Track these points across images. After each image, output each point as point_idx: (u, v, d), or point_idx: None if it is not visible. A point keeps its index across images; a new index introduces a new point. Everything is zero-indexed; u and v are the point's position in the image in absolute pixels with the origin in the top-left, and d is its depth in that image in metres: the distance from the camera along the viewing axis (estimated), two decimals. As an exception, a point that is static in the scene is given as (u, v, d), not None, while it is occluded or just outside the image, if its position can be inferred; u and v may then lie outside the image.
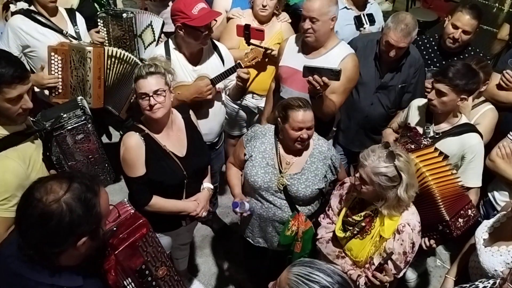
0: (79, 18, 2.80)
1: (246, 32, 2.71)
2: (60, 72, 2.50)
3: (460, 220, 2.13)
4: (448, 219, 2.11)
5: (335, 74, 2.22)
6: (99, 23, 2.98)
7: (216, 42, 2.69)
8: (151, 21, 3.05)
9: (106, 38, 3.01)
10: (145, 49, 3.03)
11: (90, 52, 2.42)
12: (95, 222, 1.29)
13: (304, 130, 2.10)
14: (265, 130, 2.29)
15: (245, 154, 2.28)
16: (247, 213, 2.26)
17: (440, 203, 2.10)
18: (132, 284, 1.48)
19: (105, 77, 2.53)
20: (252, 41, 2.74)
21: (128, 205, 1.62)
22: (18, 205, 1.30)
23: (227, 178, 2.46)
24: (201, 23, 2.31)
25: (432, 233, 2.22)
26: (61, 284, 1.31)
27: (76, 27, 2.73)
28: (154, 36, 3.09)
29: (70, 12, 2.76)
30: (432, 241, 2.24)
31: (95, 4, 3.10)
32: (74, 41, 2.62)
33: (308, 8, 2.40)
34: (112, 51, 2.50)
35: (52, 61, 2.47)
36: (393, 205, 1.90)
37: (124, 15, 2.93)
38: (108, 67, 2.51)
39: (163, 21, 3.12)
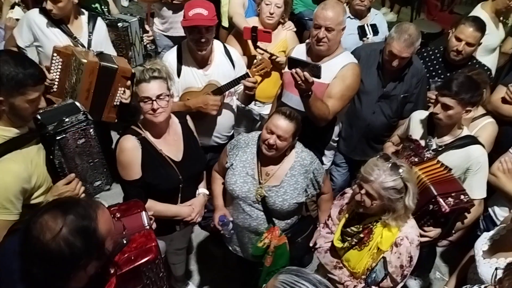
0: (100, 26, 2.77)
1: (253, 34, 2.72)
2: (58, 73, 2.52)
3: (450, 199, 2.06)
4: (436, 194, 2.07)
5: (315, 70, 2.21)
6: None
7: (228, 47, 2.71)
8: (135, 27, 3.02)
9: None
10: (138, 55, 3.04)
11: (83, 64, 2.42)
12: (97, 247, 1.27)
13: (274, 135, 2.05)
14: (248, 140, 2.27)
15: (226, 162, 2.26)
16: (226, 233, 2.28)
17: (428, 182, 2.09)
18: None
19: (96, 91, 2.51)
20: (259, 43, 2.75)
21: (145, 218, 1.60)
22: (20, 239, 1.27)
23: (212, 185, 2.45)
24: (185, 24, 2.38)
25: (425, 218, 2.16)
26: None
27: (90, 34, 2.71)
28: (139, 40, 3.06)
29: (92, 18, 2.74)
30: (429, 228, 2.15)
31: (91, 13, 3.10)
32: (80, 48, 2.62)
33: (325, 17, 2.40)
34: (107, 67, 2.47)
35: (53, 61, 2.49)
36: (401, 215, 1.90)
37: (120, 24, 2.92)
38: (101, 81, 2.49)
39: (139, 18, 3.07)
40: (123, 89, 2.59)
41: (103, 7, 3.17)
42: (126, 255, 1.43)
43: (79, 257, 1.23)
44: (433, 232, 2.15)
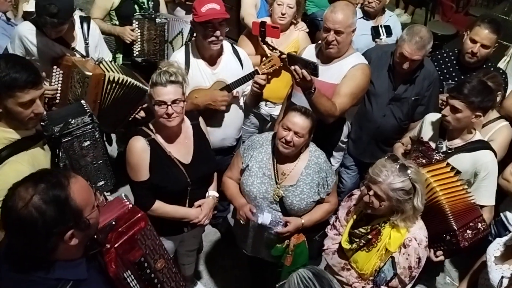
0: (93, 29, 2.76)
1: (261, 29, 2.72)
2: (60, 84, 2.53)
3: (469, 231, 2.08)
4: (456, 228, 2.07)
5: (312, 68, 2.20)
6: (134, 24, 3.07)
7: (236, 46, 2.72)
8: (182, 28, 3.11)
9: (139, 39, 3.11)
10: None
11: (88, 78, 2.40)
12: (73, 215, 1.28)
13: (291, 132, 2.07)
14: (263, 140, 2.28)
15: (242, 163, 2.26)
16: (263, 223, 2.14)
17: (449, 214, 2.08)
18: (132, 276, 1.49)
19: (102, 101, 2.51)
20: (267, 39, 2.75)
21: (125, 200, 1.62)
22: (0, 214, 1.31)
23: (225, 191, 2.35)
24: (200, 19, 2.35)
25: (439, 244, 2.17)
26: (67, 278, 1.32)
27: (87, 41, 2.69)
28: (183, 42, 3.13)
29: (85, 22, 2.70)
30: (439, 252, 2.19)
31: (135, 6, 3.14)
32: (79, 57, 2.61)
33: (334, 20, 2.40)
34: (114, 77, 2.47)
35: (54, 74, 2.48)
36: (409, 216, 1.89)
37: (158, 20, 3.00)
38: (108, 91, 2.50)
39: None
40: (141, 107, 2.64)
41: (149, 2, 3.20)
42: (118, 231, 1.48)
43: (53, 225, 1.25)
44: (442, 257, 2.20)
